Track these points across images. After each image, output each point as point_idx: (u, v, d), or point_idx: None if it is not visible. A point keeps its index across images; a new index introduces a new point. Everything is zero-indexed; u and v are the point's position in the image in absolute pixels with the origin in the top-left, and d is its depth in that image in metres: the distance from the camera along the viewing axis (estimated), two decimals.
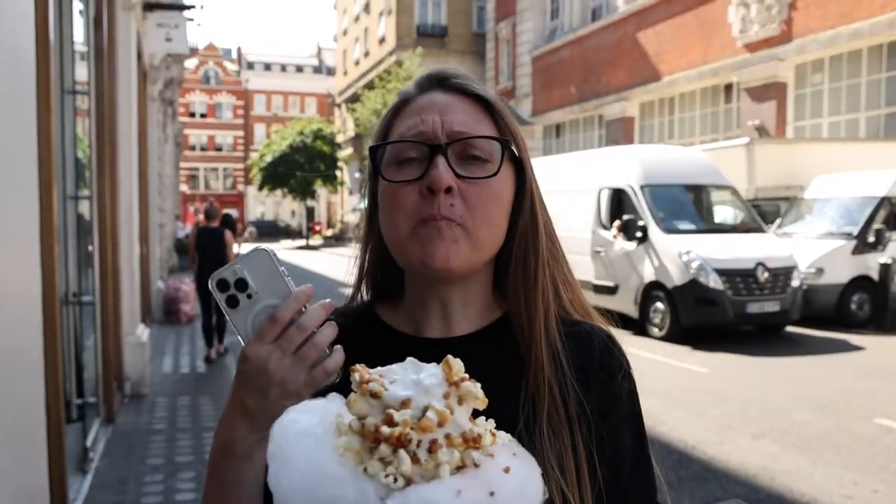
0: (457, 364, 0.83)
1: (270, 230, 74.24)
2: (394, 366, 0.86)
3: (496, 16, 38.52)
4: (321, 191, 61.52)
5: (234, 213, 78.67)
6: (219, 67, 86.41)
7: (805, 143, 18.27)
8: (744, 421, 7.77)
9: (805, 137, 20.76)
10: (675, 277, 12.54)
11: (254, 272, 1.00)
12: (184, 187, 66.29)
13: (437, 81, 1.20)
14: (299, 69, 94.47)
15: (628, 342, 1.23)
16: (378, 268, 1.28)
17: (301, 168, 51.18)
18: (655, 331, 12.76)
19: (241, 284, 1.00)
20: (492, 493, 0.76)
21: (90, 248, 6.69)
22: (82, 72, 6.64)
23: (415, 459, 0.75)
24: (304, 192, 54.06)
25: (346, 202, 63.41)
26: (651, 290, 13.02)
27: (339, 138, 56.19)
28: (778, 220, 15.82)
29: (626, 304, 13.27)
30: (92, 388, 6.70)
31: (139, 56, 10.55)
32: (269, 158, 52.69)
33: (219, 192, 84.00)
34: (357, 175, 54.60)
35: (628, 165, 14.12)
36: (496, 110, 1.17)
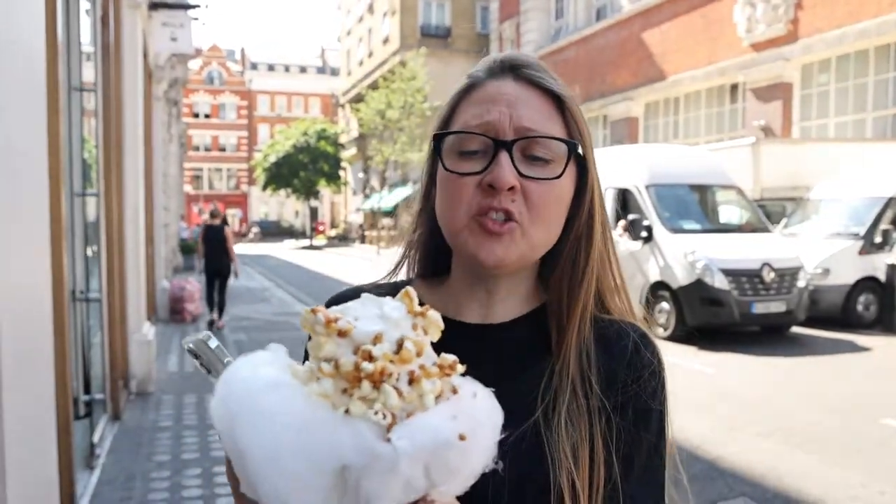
0: (415, 294, 0.81)
1: (274, 230, 74.56)
2: (349, 303, 0.82)
3: (500, 16, 38.53)
4: (325, 191, 61.58)
5: (237, 213, 79.14)
6: (223, 68, 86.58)
7: (811, 143, 18.22)
8: (750, 421, 7.75)
9: (811, 137, 20.70)
10: (681, 277, 12.51)
11: (205, 354, 0.99)
12: (188, 187, 66.43)
13: (510, 69, 1.16)
14: (303, 70, 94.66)
15: None
16: (424, 248, 1.27)
17: (305, 168, 51.31)
18: (660, 331, 12.72)
19: (202, 361, 1.00)
20: (474, 417, 0.75)
21: (94, 247, 6.69)
22: (89, 70, 6.64)
23: (398, 393, 0.72)
24: (307, 192, 54.17)
25: (349, 202, 63.49)
26: (656, 290, 12.98)
27: (343, 139, 56.32)
28: (784, 221, 15.78)
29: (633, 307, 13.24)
30: (99, 385, 6.70)
31: (144, 55, 10.55)
32: (272, 159, 52.83)
33: (222, 193, 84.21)
34: (360, 175, 54.66)
35: (633, 165, 14.10)
36: (567, 107, 1.14)
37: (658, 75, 27.09)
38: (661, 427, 1.15)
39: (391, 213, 43.10)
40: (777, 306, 12.39)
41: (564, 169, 1.11)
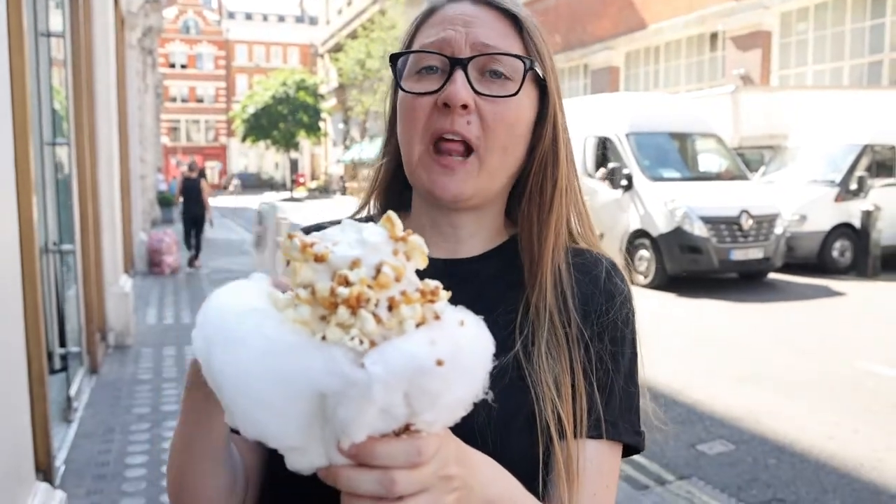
0: (398, 220, 0.78)
1: (254, 182, 74.19)
2: (329, 229, 0.80)
3: None
4: (305, 142, 61.07)
5: (217, 165, 78.62)
6: (199, 17, 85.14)
7: (789, 91, 18.22)
8: (728, 365, 7.84)
9: (789, 85, 20.71)
10: (661, 225, 12.57)
11: (267, 219, 0.98)
12: (165, 139, 65.73)
13: None
14: (281, 19, 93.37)
15: None
16: (389, 179, 1.25)
17: (284, 120, 50.85)
18: (641, 278, 12.81)
19: (261, 229, 0.98)
20: (456, 344, 0.72)
21: (68, 198, 6.60)
22: (56, 16, 6.47)
23: (376, 319, 0.70)
24: (287, 143, 53.67)
25: (329, 154, 63.07)
26: (636, 238, 13.04)
27: (322, 89, 55.69)
28: (762, 168, 15.85)
29: (611, 252, 13.20)
30: (75, 339, 6.64)
31: (115, 1, 10.33)
32: (251, 110, 52.23)
33: (201, 145, 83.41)
34: (341, 126, 54.26)
35: (614, 113, 14.06)
36: (525, 27, 1.13)
37: (639, 24, 26.89)
38: (634, 354, 1.16)
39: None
40: (755, 253, 12.50)
41: (521, 86, 1.09)
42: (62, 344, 5.93)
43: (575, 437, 1.05)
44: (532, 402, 1.05)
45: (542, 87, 1.14)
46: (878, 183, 14.12)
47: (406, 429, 0.73)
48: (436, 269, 1.12)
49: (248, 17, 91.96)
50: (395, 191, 1.26)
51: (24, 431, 3.86)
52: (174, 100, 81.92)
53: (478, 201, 1.13)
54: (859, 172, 13.99)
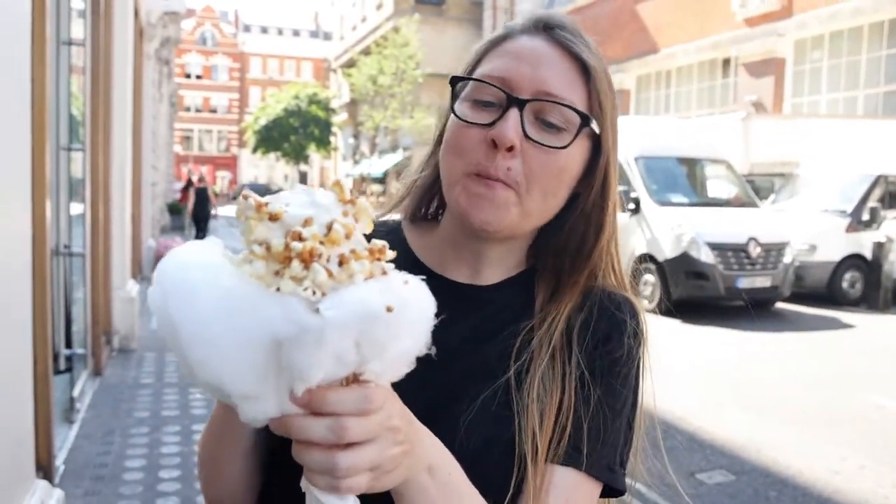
0: (346, 184, 0.81)
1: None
2: (281, 193, 0.83)
3: None
4: (314, 155, 61.26)
5: (227, 175, 79.01)
6: (215, 29, 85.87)
7: (802, 118, 18.19)
8: (732, 394, 7.79)
9: (802, 113, 20.68)
10: (667, 250, 12.53)
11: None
12: (178, 148, 66.07)
13: (545, 27, 1.13)
14: (296, 33, 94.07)
15: None
16: (424, 190, 1.25)
17: (295, 132, 51.04)
18: (645, 303, 12.52)
19: None
20: (402, 297, 0.76)
21: (80, 202, 6.64)
22: (79, 26, 6.56)
23: (328, 273, 0.73)
24: (297, 156, 53.87)
25: (338, 167, 63.24)
26: (642, 263, 12.98)
27: (334, 103, 55.92)
28: (772, 196, 15.79)
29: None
30: (81, 341, 6.68)
31: (136, 13, 10.44)
32: (263, 121, 52.50)
33: (212, 154, 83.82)
34: (351, 141, 54.42)
35: (623, 137, 13.99)
36: (593, 79, 1.11)
37: (651, 48, 26.95)
38: (631, 392, 1.14)
39: (380, 179, 43.04)
40: (762, 281, 12.44)
41: (572, 140, 1.07)
42: (68, 345, 5.97)
43: (546, 461, 1.04)
44: (514, 430, 1.04)
45: (596, 138, 1.13)
46: (891, 214, 13.95)
47: (355, 379, 0.77)
48: (454, 290, 1.14)
49: (264, 30, 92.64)
50: (426, 202, 1.27)
51: (27, 429, 3.87)
52: (188, 109, 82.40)
53: (507, 234, 1.11)
54: (872, 203, 13.86)
